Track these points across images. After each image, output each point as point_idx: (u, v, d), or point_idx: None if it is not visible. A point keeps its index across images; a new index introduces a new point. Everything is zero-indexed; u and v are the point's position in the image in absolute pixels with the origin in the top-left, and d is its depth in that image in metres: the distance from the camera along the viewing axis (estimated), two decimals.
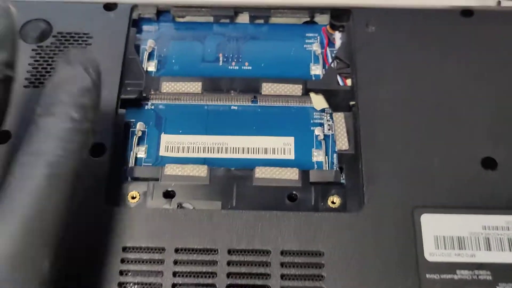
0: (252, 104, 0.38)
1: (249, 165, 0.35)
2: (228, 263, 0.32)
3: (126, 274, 0.31)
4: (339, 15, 0.40)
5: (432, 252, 0.32)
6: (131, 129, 0.37)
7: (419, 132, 0.35)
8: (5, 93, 0.28)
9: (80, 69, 0.28)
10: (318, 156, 0.36)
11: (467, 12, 0.40)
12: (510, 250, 0.32)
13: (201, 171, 0.35)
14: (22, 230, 0.24)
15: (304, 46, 0.40)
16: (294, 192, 0.34)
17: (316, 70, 0.39)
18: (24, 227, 0.24)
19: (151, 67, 0.39)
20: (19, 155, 0.26)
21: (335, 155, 0.36)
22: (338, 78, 0.38)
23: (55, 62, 0.28)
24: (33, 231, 0.25)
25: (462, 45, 0.38)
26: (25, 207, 0.25)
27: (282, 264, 0.32)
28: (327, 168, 0.36)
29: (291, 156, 0.36)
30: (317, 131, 0.37)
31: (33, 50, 0.38)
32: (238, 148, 0.36)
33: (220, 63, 0.40)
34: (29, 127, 0.27)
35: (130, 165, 0.36)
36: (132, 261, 0.32)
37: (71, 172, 0.26)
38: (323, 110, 0.38)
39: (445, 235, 0.32)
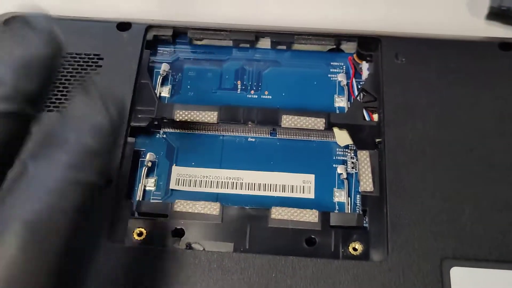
0: (271, 137, 0.36)
1: (265, 203, 0.33)
2: None
3: None
4: (367, 44, 0.38)
5: None
6: (140, 159, 0.35)
7: (450, 176, 0.32)
8: (17, 134, 0.23)
9: (98, 104, 0.23)
10: (340, 196, 0.34)
11: (505, 46, 0.37)
12: None
13: (213, 209, 0.32)
14: None
15: (329, 75, 0.38)
16: (312, 236, 0.32)
17: (341, 102, 0.37)
18: None
19: (165, 92, 0.37)
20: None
21: (358, 196, 0.34)
22: (364, 112, 0.35)
23: (72, 91, 0.24)
24: None
25: (499, 81, 0.35)
26: None
27: None
28: (349, 210, 0.33)
29: (311, 195, 0.34)
30: (340, 169, 0.34)
31: None
32: (254, 184, 0.34)
33: (238, 91, 0.37)
34: (17, 167, 0.22)
35: (137, 198, 0.33)
36: None
37: (56, 236, 0.21)
38: (347, 147, 0.35)
39: None
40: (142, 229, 0.32)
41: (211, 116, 0.35)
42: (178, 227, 0.32)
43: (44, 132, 0.22)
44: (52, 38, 0.23)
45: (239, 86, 0.37)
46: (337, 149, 0.35)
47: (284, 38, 0.39)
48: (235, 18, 0.39)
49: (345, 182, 0.34)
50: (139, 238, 0.32)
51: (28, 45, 0.22)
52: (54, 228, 0.21)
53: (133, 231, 0.32)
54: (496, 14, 0.41)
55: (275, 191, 0.34)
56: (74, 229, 0.22)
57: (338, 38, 0.38)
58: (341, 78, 0.38)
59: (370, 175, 0.33)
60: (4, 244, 0.20)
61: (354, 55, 0.38)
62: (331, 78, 0.38)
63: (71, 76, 0.36)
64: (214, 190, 0.34)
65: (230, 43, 0.39)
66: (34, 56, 0.22)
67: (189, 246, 0.32)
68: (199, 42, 0.39)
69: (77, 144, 0.22)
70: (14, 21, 0.38)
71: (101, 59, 0.36)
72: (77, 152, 0.21)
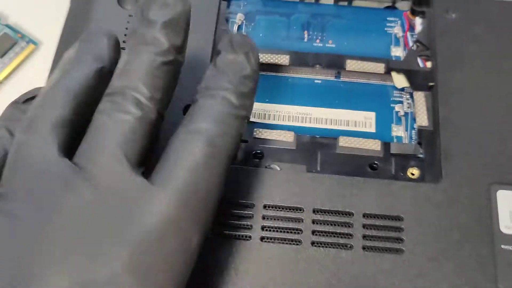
0: (335, 79, 0.40)
1: (331, 135, 0.38)
2: (313, 222, 0.34)
3: (218, 225, 0.33)
4: (420, 2, 0.42)
5: (508, 225, 0.34)
6: None
7: (496, 112, 0.37)
8: (174, 77, 0.30)
9: (242, 57, 0.30)
10: (397, 131, 0.38)
11: None
12: None
13: (288, 136, 0.37)
14: (177, 203, 0.26)
15: (385, 29, 0.42)
16: (375, 162, 0.36)
17: (397, 52, 0.41)
18: (180, 201, 0.26)
19: None
20: (180, 132, 0.28)
21: (413, 131, 0.38)
22: (419, 60, 0.40)
23: (219, 44, 0.31)
24: (187, 206, 0.26)
25: None
26: (183, 183, 0.26)
27: (364, 226, 0.34)
28: (407, 142, 0.38)
29: (372, 129, 0.38)
30: (398, 107, 0.39)
31: (130, 16, 0.41)
32: (321, 118, 0.38)
33: (305, 39, 0.42)
34: (191, 106, 0.29)
35: None
36: (223, 214, 0.34)
37: (226, 153, 0.28)
38: (402, 89, 0.39)
39: None
40: None
41: (283, 59, 0.40)
42: (258, 151, 0.37)
43: (205, 77, 0.30)
44: None
45: (306, 36, 0.42)
46: (395, 91, 0.40)
47: None
48: None
49: (402, 119, 0.39)
50: None
51: (169, 8, 0.29)
52: (224, 146, 0.28)
53: None
54: None
55: (340, 125, 0.38)
56: (235, 150, 0.29)
57: None
58: (397, 31, 0.42)
59: (425, 112, 0.38)
60: (192, 154, 0.27)
61: (408, 12, 0.43)
62: (388, 31, 0.42)
63: None
64: (287, 123, 0.38)
65: None
66: (176, 16, 0.29)
67: (268, 167, 0.36)
68: None
69: (232, 88, 0.29)
70: None
71: None
72: (234, 94, 0.29)
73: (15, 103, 0.32)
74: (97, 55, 0.29)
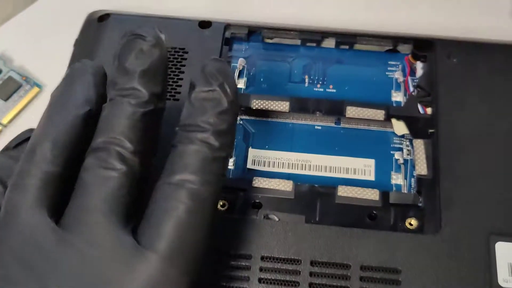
0: (336, 126, 0.40)
1: (330, 183, 0.38)
2: (311, 274, 0.34)
3: (216, 277, 0.34)
4: (421, 46, 0.42)
5: (506, 279, 0.33)
6: None
7: (497, 161, 0.37)
8: (157, 125, 0.30)
9: (217, 90, 0.28)
10: (397, 179, 0.38)
11: None
12: None
13: (287, 185, 0.37)
14: (165, 264, 0.26)
15: (386, 73, 0.42)
16: (374, 212, 0.36)
17: (397, 96, 0.41)
18: (168, 261, 0.26)
19: (241, 84, 0.42)
20: (162, 184, 0.27)
21: (413, 179, 0.38)
22: (419, 106, 0.40)
23: (193, 76, 0.30)
24: (175, 264, 0.26)
25: None
26: (170, 242, 0.26)
27: (361, 278, 0.33)
28: (405, 191, 0.38)
29: (371, 177, 0.38)
30: (397, 155, 0.39)
31: None
32: (321, 166, 0.39)
33: (306, 84, 0.42)
34: (171, 152, 0.28)
35: None
36: (221, 265, 0.34)
37: (210, 202, 0.28)
38: (403, 136, 0.39)
39: None
40: (225, 201, 0.37)
41: (283, 106, 0.40)
42: (257, 201, 0.37)
43: (182, 118, 0.29)
44: (160, 43, 0.29)
45: (306, 80, 0.42)
46: (394, 138, 0.40)
47: (347, 39, 0.43)
48: (304, 20, 0.44)
49: (402, 166, 0.38)
50: (222, 209, 0.36)
51: (146, 56, 0.28)
52: (208, 195, 0.27)
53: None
54: None
55: (340, 172, 0.38)
56: (220, 194, 0.28)
57: (396, 40, 0.43)
58: (398, 75, 0.42)
59: (424, 160, 0.38)
60: (176, 210, 0.27)
61: (410, 56, 0.43)
62: (389, 76, 0.42)
63: None
64: (286, 170, 0.39)
65: (298, 42, 0.44)
66: (153, 64, 0.29)
67: (266, 217, 0.36)
68: (270, 40, 0.44)
69: (210, 128, 0.28)
70: (109, 19, 0.43)
71: (186, 52, 0.41)
72: (213, 135, 0.28)
73: (6, 150, 0.32)
74: (83, 97, 0.29)
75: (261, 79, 0.42)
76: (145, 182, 0.29)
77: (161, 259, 0.26)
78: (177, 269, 0.26)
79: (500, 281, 0.33)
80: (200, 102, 0.28)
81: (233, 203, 0.37)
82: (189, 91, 0.29)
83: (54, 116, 0.29)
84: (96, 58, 0.41)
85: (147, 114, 0.28)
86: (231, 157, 0.30)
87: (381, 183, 0.38)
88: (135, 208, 0.27)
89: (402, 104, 0.41)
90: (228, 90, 0.28)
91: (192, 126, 0.28)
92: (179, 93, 0.40)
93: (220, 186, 0.28)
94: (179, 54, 0.41)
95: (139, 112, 0.28)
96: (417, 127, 0.39)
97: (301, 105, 0.40)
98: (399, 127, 0.39)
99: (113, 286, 0.25)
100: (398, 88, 0.42)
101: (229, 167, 0.39)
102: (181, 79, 0.40)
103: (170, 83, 0.40)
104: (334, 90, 0.42)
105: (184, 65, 0.41)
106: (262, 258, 0.34)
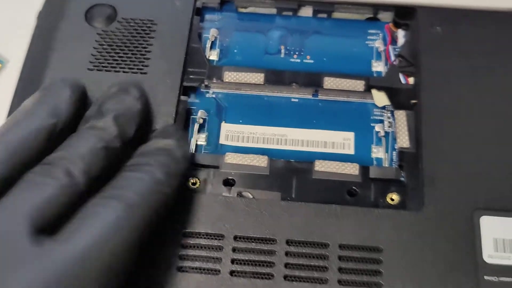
0: (313, 98, 0.38)
1: (308, 158, 0.36)
2: (286, 254, 0.32)
3: (186, 259, 0.32)
4: (403, 13, 0.40)
5: (491, 255, 0.32)
6: (192, 116, 0.37)
7: (482, 135, 0.35)
8: (116, 162, 0.30)
9: (173, 142, 0.31)
10: (377, 152, 0.36)
11: None
12: None
13: (262, 161, 0.35)
14: (75, 260, 0.25)
15: (366, 42, 0.40)
16: (353, 187, 0.34)
17: (378, 67, 0.39)
18: (79, 259, 0.25)
19: (214, 56, 0.40)
20: (95, 197, 0.27)
21: (394, 153, 0.36)
22: (401, 76, 0.38)
23: (153, 134, 0.32)
24: (87, 266, 0.25)
25: None
26: (86, 241, 0.26)
27: (340, 258, 0.32)
28: (386, 165, 0.36)
29: (351, 151, 0.36)
30: (378, 127, 0.37)
31: (98, 34, 0.39)
32: (298, 140, 0.37)
33: (282, 55, 0.40)
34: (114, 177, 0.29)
35: (190, 151, 0.36)
36: (191, 247, 0.32)
37: (142, 223, 0.27)
38: (384, 107, 0.37)
39: (504, 238, 0.32)
40: (196, 179, 0.35)
41: (258, 78, 0.38)
42: (229, 178, 0.35)
43: (136, 155, 0.30)
44: (143, 99, 0.32)
45: (282, 51, 0.40)
46: (375, 110, 0.38)
47: (325, 7, 0.41)
48: None
49: (383, 139, 0.37)
50: (193, 187, 0.34)
51: (125, 106, 0.31)
52: (141, 216, 0.28)
53: (188, 181, 0.34)
54: None
55: (318, 147, 0.36)
56: (154, 225, 0.29)
57: (376, 7, 0.41)
58: (378, 44, 0.40)
59: (406, 133, 0.36)
60: (107, 214, 0.27)
61: (391, 24, 0.41)
62: (369, 45, 0.40)
63: (127, 39, 0.38)
64: (261, 145, 0.37)
65: (274, 11, 0.41)
66: (130, 111, 0.31)
67: (240, 194, 0.34)
68: (244, 10, 0.42)
69: (161, 169, 0.29)
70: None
71: (155, 24, 0.39)
72: (162, 173, 0.29)
73: None
74: (54, 109, 0.30)
75: (235, 51, 0.40)
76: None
77: (70, 255, 0.25)
78: (86, 274, 0.25)
79: (485, 257, 0.32)
80: (155, 148, 0.30)
81: (205, 181, 0.35)
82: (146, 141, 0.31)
83: (18, 122, 0.29)
84: (59, 32, 0.38)
85: (110, 149, 0.29)
86: (173, 200, 0.30)
87: (361, 157, 0.36)
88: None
89: (383, 75, 0.39)
90: (184, 145, 0.32)
91: (142, 162, 0.29)
92: (147, 66, 0.37)
93: (157, 216, 0.29)
94: (148, 26, 0.39)
95: (102, 143, 0.29)
96: (399, 98, 0.37)
97: (276, 77, 0.38)
98: (380, 98, 0.37)
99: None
100: (378, 57, 0.40)
101: (201, 142, 0.37)
102: (149, 51, 0.38)
103: (137, 55, 0.38)
104: (312, 61, 0.39)
105: (152, 37, 0.38)
106: (235, 237, 0.32)
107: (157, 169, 0.29)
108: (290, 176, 0.35)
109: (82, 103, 0.32)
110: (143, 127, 0.32)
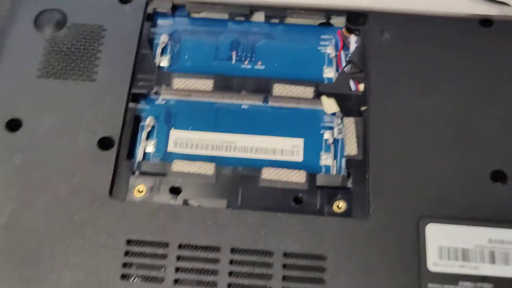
0: (263, 104, 0.38)
1: (257, 165, 0.35)
2: (231, 262, 0.32)
3: (130, 267, 0.32)
4: (355, 18, 0.40)
5: (435, 263, 0.32)
6: (141, 124, 0.37)
7: (429, 143, 0.35)
8: None
9: None
10: (326, 159, 0.36)
11: (486, 22, 0.39)
12: None
13: (208, 169, 0.35)
14: None
15: (319, 48, 0.40)
16: (300, 195, 0.34)
17: (329, 73, 0.39)
18: None
19: (164, 62, 0.39)
20: None
21: (343, 160, 0.36)
22: (351, 82, 0.38)
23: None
24: None
25: (479, 56, 0.38)
26: None
27: (284, 266, 0.32)
28: (335, 172, 0.36)
29: (299, 158, 0.36)
30: (327, 134, 0.37)
31: (46, 40, 0.38)
32: (247, 147, 0.36)
33: (233, 61, 0.40)
34: None
35: (138, 159, 0.36)
36: (135, 254, 0.32)
37: None
38: (334, 114, 0.37)
39: (449, 246, 0.32)
40: (143, 186, 0.34)
41: (207, 84, 0.38)
42: (176, 185, 0.35)
43: None
44: None
45: (233, 57, 0.40)
46: (325, 117, 0.38)
47: (277, 13, 0.41)
48: None
49: (332, 146, 0.36)
50: (139, 195, 0.34)
51: None
52: None
53: (134, 188, 0.34)
54: None
55: (266, 153, 0.36)
56: None
57: (328, 12, 0.41)
58: (330, 50, 0.40)
59: (355, 140, 0.36)
60: None
61: (343, 29, 0.40)
62: (321, 51, 0.40)
63: (76, 47, 0.38)
64: (210, 152, 0.36)
65: (226, 16, 0.41)
66: None
67: (185, 203, 0.34)
68: (196, 15, 0.41)
69: None
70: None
71: (105, 30, 0.39)
72: None
73: None
74: None
75: (186, 57, 0.40)
76: None
77: None
78: None
79: (430, 265, 0.32)
80: None
81: (151, 189, 0.34)
82: None
83: None
84: (8, 39, 0.38)
85: None
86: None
87: (310, 164, 0.36)
88: None
89: (334, 81, 0.38)
90: None
91: None
92: (96, 73, 0.37)
93: None
94: (97, 32, 0.39)
95: None
96: (348, 105, 0.37)
97: (226, 84, 0.38)
98: (329, 105, 0.37)
99: None
100: (330, 63, 0.39)
101: (149, 150, 0.36)
102: (98, 58, 0.38)
103: (86, 63, 0.37)
104: (263, 67, 0.39)
105: (102, 44, 0.38)
106: (180, 246, 0.32)
107: None
108: (237, 183, 0.35)
109: None
110: None
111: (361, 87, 0.38)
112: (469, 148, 0.35)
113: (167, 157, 0.36)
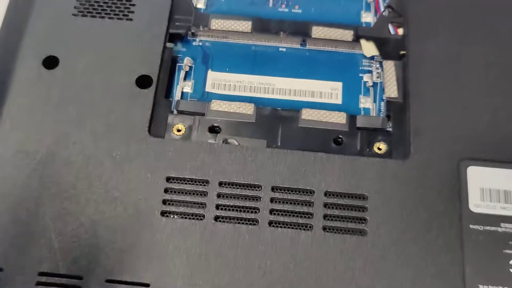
0: (301, 47, 0.38)
1: (295, 107, 0.35)
2: (271, 200, 0.32)
3: (169, 204, 0.31)
4: None
5: (477, 204, 0.32)
6: (178, 64, 0.37)
7: (468, 86, 0.35)
8: None
9: None
10: (365, 102, 0.36)
11: None
12: None
13: (248, 108, 0.34)
14: None
15: None
16: (340, 136, 0.34)
17: (367, 17, 0.39)
18: None
19: (201, 4, 0.39)
20: None
21: (382, 103, 0.36)
22: (390, 26, 0.37)
23: None
24: None
25: None
26: None
27: (325, 205, 0.32)
28: (374, 115, 0.35)
29: (338, 101, 0.36)
30: (366, 77, 0.36)
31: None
32: (285, 89, 0.36)
33: (270, 4, 0.39)
34: None
35: (176, 98, 0.35)
36: (175, 191, 0.32)
37: None
38: (372, 58, 0.37)
39: (491, 188, 0.32)
40: (182, 125, 0.34)
41: (245, 26, 0.37)
42: (215, 125, 0.34)
43: None
44: None
45: (271, 1, 0.39)
46: (363, 60, 0.37)
47: None
48: None
49: (371, 89, 0.36)
50: (178, 134, 0.34)
51: None
52: None
53: (173, 127, 0.34)
54: None
55: (305, 96, 0.36)
56: None
57: None
58: None
59: (395, 83, 0.35)
60: None
61: None
62: None
63: None
64: (248, 94, 0.36)
65: None
66: None
67: (225, 141, 0.34)
68: None
69: None
70: None
71: None
72: None
73: None
74: None
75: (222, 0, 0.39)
76: None
77: None
78: None
79: (472, 206, 0.32)
80: None
81: (190, 128, 0.34)
82: None
83: None
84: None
85: None
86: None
87: (349, 107, 0.36)
88: None
89: (372, 25, 0.38)
90: None
91: None
92: (133, 12, 0.37)
93: None
94: None
95: None
96: (387, 49, 0.37)
97: (264, 26, 0.38)
98: (369, 48, 0.37)
99: None
100: (368, 8, 0.39)
101: (187, 90, 0.36)
102: None
103: (123, 1, 0.37)
104: (300, 11, 0.39)
105: None
106: (220, 183, 0.32)
107: None
108: (276, 124, 0.35)
109: None
110: None
111: (400, 31, 0.37)
112: (507, 90, 0.35)
113: (205, 98, 0.36)
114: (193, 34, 0.38)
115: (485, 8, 0.37)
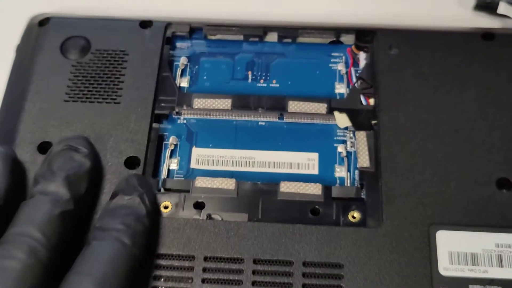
0: (279, 121, 0.40)
1: (274, 179, 0.38)
2: (254, 272, 0.34)
3: (159, 279, 0.34)
4: (363, 36, 0.42)
5: (446, 267, 0.34)
6: (164, 142, 0.39)
7: (437, 153, 0.37)
8: (74, 225, 0.31)
9: (137, 199, 0.32)
10: (340, 172, 0.38)
11: (488, 36, 0.41)
12: None
13: (230, 184, 0.37)
14: None
15: (330, 65, 0.42)
16: (316, 207, 0.36)
17: (341, 88, 0.41)
18: None
19: (184, 83, 0.42)
20: (69, 274, 0.28)
21: (357, 172, 0.38)
22: (362, 97, 0.40)
23: (116, 186, 0.34)
24: None
25: (483, 69, 0.40)
26: None
27: (304, 274, 0.34)
28: (348, 184, 0.38)
29: (315, 171, 0.38)
30: (340, 148, 0.39)
31: (73, 66, 0.40)
32: (265, 162, 0.38)
33: (249, 80, 0.42)
34: (84, 247, 0.30)
35: (163, 176, 0.38)
36: (164, 267, 0.34)
37: None
38: (346, 128, 0.39)
39: (459, 251, 0.34)
40: (168, 203, 0.37)
41: (225, 104, 0.40)
42: (200, 201, 0.37)
43: (100, 218, 0.32)
44: (91, 155, 0.33)
45: (249, 76, 0.42)
46: (338, 131, 0.40)
47: (289, 33, 0.43)
48: (246, 14, 0.44)
49: (345, 159, 0.39)
50: (166, 211, 0.36)
51: (76, 165, 0.33)
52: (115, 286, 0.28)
53: (160, 205, 0.36)
54: (482, 6, 0.46)
55: (283, 168, 0.38)
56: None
57: (338, 31, 0.43)
58: (340, 67, 0.42)
59: (367, 153, 0.38)
60: None
61: (353, 46, 0.43)
62: (332, 68, 0.42)
63: (100, 70, 0.40)
64: (230, 168, 0.38)
65: (241, 37, 0.43)
66: (80, 172, 0.32)
67: (209, 217, 0.36)
68: (213, 37, 0.44)
69: (125, 229, 0.30)
70: (49, 23, 0.42)
71: (127, 54, 0.41)
72: (126, 235, 0.30)
73: None
74: None
75: (204, 77, 0.42)
76: (57, 274, 0.29)
77: None
78: None
79: (441, 270, 0.33)
80: (119, 207, 0.32)
81: (176, 205, 0.37)
82: (111, 197, 0.33)
83: None
84: (36, 65, 0.40)
85: (66, 213, 0.30)
86: (143, 258, 0.32)
87: (325, 176, 0.38)
88: None
89: (345, 96, 0.40)
90: (147, 201, 0.33)
91: (108, 226, 0.30)
92: (120, 96, 0.39)
93: (129, 280, 0.30)
94: (120, 56, 0.41)
95: (58, 210, 0.30)
96: (359, 119, 0.39)
97: (243, 102, 0.40)
98: (342, 120, 0.39)
99: None
100: (341, 80, 0.41)
101: (173, 167, 0.39)
102: (122, 81, 0.40)
103: (111, 86, 0.40)
104: (278, 85, 0.41)
105: (124, 68, 0.40)
106: (205, 258, 0.34)
107: (123, 234, 0.30)
108: (257, 197, 0.37)
109: (16, 172, 0.33)
110: (93, 184, 0.34)
111: (371, 101, 0.40)
112: (474, 157, 0.37)
113: (190, 174, 0.38)
114: (178, 113, 0.40)
115: (451, 75, 0.39)
